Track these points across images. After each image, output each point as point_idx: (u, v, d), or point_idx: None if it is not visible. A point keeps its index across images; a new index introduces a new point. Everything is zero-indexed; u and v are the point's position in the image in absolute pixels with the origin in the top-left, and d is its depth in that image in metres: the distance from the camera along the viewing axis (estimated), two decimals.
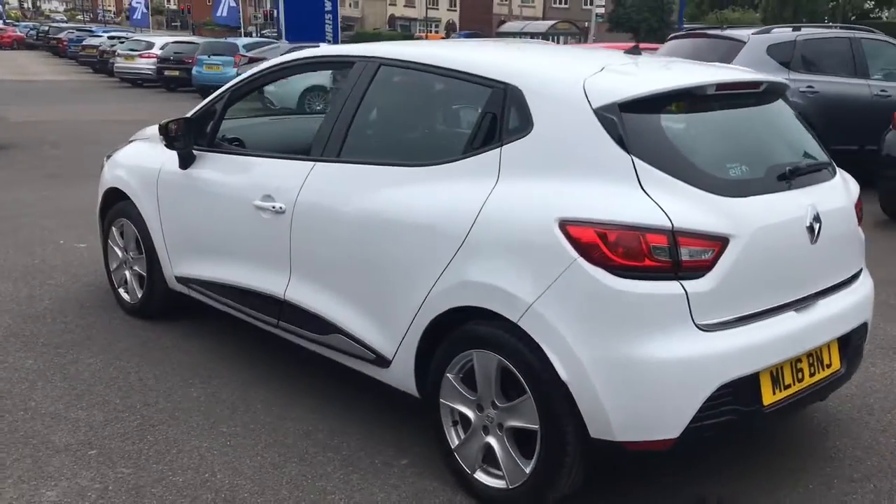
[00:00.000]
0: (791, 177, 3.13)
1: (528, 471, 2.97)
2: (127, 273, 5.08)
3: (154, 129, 5.07)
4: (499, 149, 3.09)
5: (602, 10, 28.45)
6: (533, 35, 28.91)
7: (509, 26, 39.04)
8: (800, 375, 3.09)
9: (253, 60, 21.10)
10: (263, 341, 4.50)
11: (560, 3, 65.72)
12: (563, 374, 2.78)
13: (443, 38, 62.71)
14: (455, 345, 3.14)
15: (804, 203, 3.10)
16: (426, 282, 3.18)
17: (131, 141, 5.33)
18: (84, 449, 3.51)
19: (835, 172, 3.42)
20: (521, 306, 2.86)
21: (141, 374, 4.26)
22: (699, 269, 2.77)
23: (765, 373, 2.93)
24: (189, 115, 4.50)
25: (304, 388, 4.12)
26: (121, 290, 5.16)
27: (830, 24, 10.40)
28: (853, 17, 40.69)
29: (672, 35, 10.55)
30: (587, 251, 2.75)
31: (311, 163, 3.77)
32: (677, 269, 2.74)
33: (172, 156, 4.55)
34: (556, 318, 2.79)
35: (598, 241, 2.74)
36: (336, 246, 3.59)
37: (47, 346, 4.59)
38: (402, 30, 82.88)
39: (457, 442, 3.22)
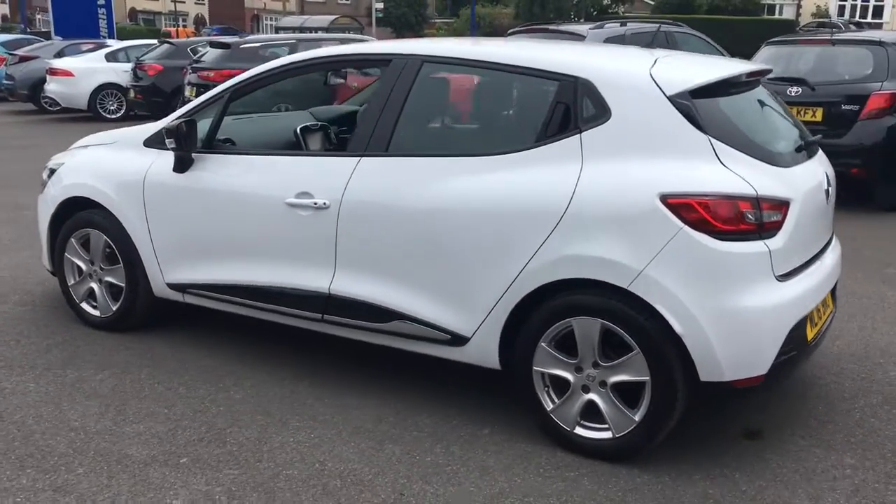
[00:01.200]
0: (806, 148, 3.74)
1: (636, 418, 3.36)
2: (94, 286, 4.86)
3: (104, 136, 4.91)
4: (578, 135, 3.44)
5: (381, 6, 29.04)
6: (314, 29, 28.94)
7: (289, 20, 38.67)
8: (820, 314, 3.71)
9: (24, 59, 19.56)
10: (272, 339, 4.57)
11: None
12: (678, 328, 3.20)
13: (193, 33, 60.39)
14: (552, 315, 3.45)
15: (820, 170, 3.73)
16: (516, 261, 3.47)
17: (75, 148, 5.07)
18: (172, 458, 3.47)
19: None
20: (631, 273, 3.24)
21: (166, 383, 4.17)
22: (774, 229, 3.29)
23: (809, 314, 3.52)
24: (181, 114, 4.42)
25: (343, 380, 4.23)
26: (84, 305, 4.92)
27: (648, 18, 11.54)
28: (594, 13, 44.28)
29: (511, 31, 11.23)
30: (691, 220, 3.19)
31: (355, 158, 3.91)
32: (761, 230, 3.25)
33: (159, 159, 4.47)
34: (668, 280, 3.20)
35: (700, 210, 3.18)
36: (397, 236, 3.77)
37: (36, 368, 4.34)
38: (146, 24, 78.82)
39: (552, 404, 3.54)
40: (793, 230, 3.37)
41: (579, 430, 3.51)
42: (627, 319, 3.30)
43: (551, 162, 3.47)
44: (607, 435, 3.44)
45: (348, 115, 5.36)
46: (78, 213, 4.80)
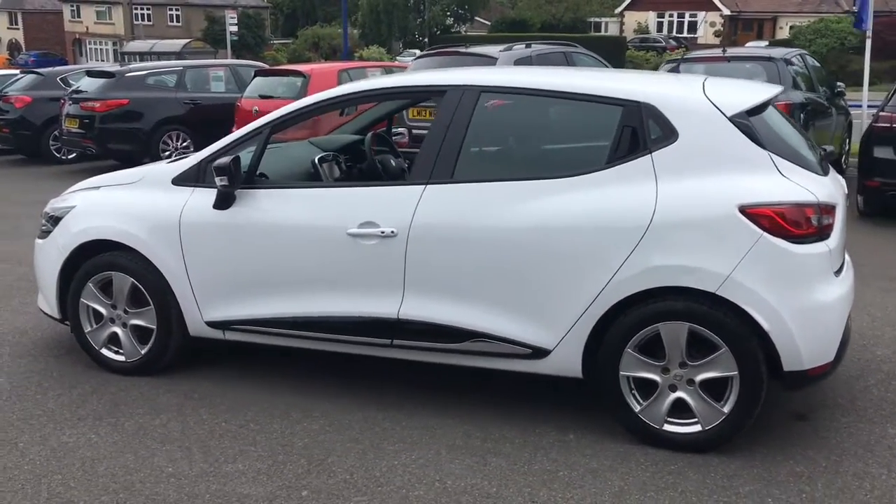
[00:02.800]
0: (826, 160, 4.24)
1: (726, 410, 3.70)
2: (118, 330, 4.73)
3: (120, 176, 4.83)
4: (648, 155, 3.76)
5: (235, 29, 28.63)
6: (161, 56, 27.95)
7: (135, 46, 37.09)
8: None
9: None
10: (310, 368, 4.65)
11: (144, 20, 63.39)
12: (765, 325, 3.57)
13: (7, 59, 56.82)
14: (639, 322, 3.75)
15: (838, 178, 4.22)
16: (602, 274, 3.75)
17: (80, 191, 4.93)
18: (294, 492, 3.51)
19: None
20: (718, 278, 3.59)
21: (234, 422, 4.15)
22: (829, 231, 3.73)
23: None
24: (218, 149, 4.42)
25: (407, 401, 4.35)
26: (105, 351, 4.78)
27: (549, 41, 12.10)
28: (437, 32, 45.32)
29: (420, 54, 11.49)
30: (769, 227, 3.57)
31: (420, 186, 4.06)
32: (821, 233, 3.68)
33: (193, 197, 4.45)
34: (753, 282, 3.57)
35: (776, 217, 3.57)
36: (470, 258, 3.96)
37: (85, 420, 4.20)
38: None
39: (639, 405, 3.83)
40: (839, 231, 3.81)
41: (668, 427, 3.80)
42: (714, 321, 3.63)
43: (626, 181, 3.76)
44: (696, 429, 3.76)
45: (350, 144, 5.46)
46: (97, 257, 4.65)
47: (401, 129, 5.88)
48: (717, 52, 10.21)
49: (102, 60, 61.68)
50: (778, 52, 9.77)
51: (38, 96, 14.64)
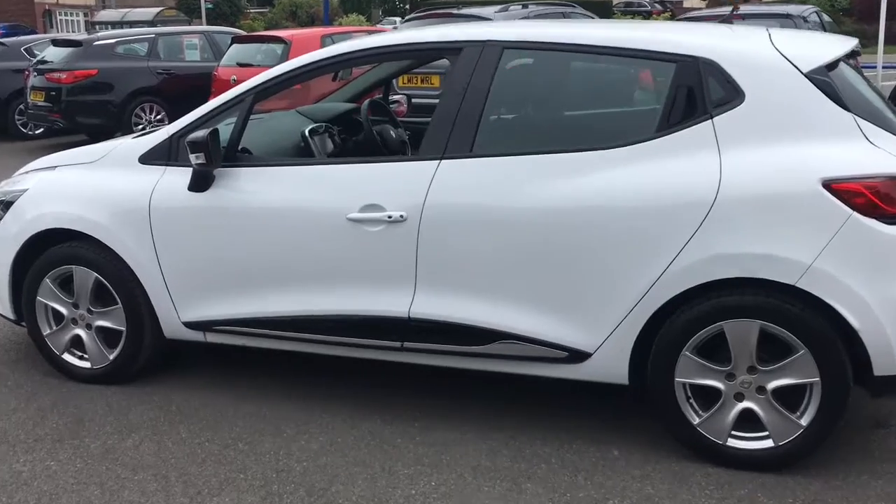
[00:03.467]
0: None
1: (804, 423, 3.11)
2: (81, 332, 4.08)
3: (78, 154, 4.15)
4: (709, 120, 3.14)
5: None
6: (133, 24, 26.82)
7: (106, 15, 35.74)
8: None
9: None
10: (299, 371, 4.05)
11: None
12: (854, 323, 2.98)
13: None
14: (699, 320, 3.15)
15: None
16: (654, 264, 3.14)
17: (32, 172, 4.26)
18: None
19: None
20: (799, 268, 2.98)
21: (217, 441, 3.55)
22: None
23: None
24: (191, 122, 3.76)
25: (416, 411, 3.78)
26: (68, 357, 4.13)
27: (544, 1, 11.39)
28: None
29: (409, 17, 10.78)
30: (860, 205, 2.96)
31: (433, 162, 3.43)
32: None
33: (164, 178, 3.79)
34: (840, 272, 2.97)
35: (869, 194, 2.97)
36: (495, 246, 3.34)
37: (43, 441, 3.58)
38: None
39: (697, 417, 3.24)
40: None
41: (733, 442, 3.23)
42: (792, 318, 3.04)
43: (682, 152, 3.15)
44: (767, 444, 3.18)
45: (343, 114, 4.80)
46: (54, 248, 3.99)
47: (398, 97, 5.20)
48: (726, 10, 9.55)
49: (73, 31, 60.12)
50: (795, 8, 9.14)
51: (0, 68, 13.78)
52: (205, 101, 4.11)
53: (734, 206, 3.04)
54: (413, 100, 5.53)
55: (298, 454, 3.40)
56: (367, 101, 4.62)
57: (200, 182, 3.69)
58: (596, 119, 3.69)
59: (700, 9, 24.63)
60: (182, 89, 12.15)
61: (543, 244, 3.27)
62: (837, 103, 3.10)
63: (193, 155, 3.55)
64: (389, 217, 3.42)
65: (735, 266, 3.06)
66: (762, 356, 3.12)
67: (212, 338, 3.90)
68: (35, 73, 12.38)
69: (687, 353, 3.18)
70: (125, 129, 11.65)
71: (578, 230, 3.22)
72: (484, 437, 3.51)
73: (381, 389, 3.93)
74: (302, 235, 3.58)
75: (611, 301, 3.23)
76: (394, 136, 4.59)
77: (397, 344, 3.55)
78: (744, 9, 9.52)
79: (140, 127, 11.80)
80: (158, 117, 12.27)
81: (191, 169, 3.66)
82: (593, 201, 3.20)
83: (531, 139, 3.60)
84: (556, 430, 3.55)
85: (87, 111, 12.00)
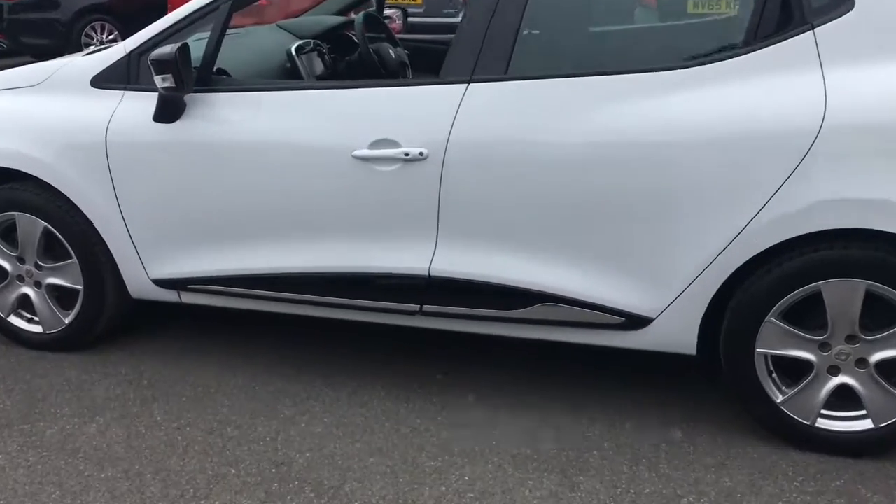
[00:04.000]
0: None
1: None
2: (29, 292, 3.43)
3: (15, 75, 3.43)
4: (809, 32, 2.52)
5: None
6: None
7: None
8: None
9: None
10: (284, 334, 3.42)
11: None
12: None
13: None
14: (791, 279, 2.59)
15: None
16: (738, 212, 2.56)
17: None
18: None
19: None
20: None
21: (201, 425, 2.97)
22: None
23: None
24: (154, 35, 3.06)
25: (439, 386, 3.23)
26: (15, 320, 3.49)
27: None
28: None
29: None
30: None
31: (460, 87, 2.78)
32: None
33: (122, 105, 3.11)
34: None
35: None
36: (536, 190, 2.74)
37: (9, 429, 2.94)
38: None
39: (781, 395, 2.71)
40: None
41: (823, 423, 2.70)
42: None
43: (776, 69, 2.54)
44: (865, 425, 2.67)
45: (332, 29, 4.10)
46: None
47: (391, 11, 4.48)
48: None
49: None
50: None
51: None
52: None
53: (843, 137, 2.45)
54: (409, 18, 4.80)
55: (300, 441, 2.82)
56: (361, 14, 3.91)
57: (168, 110, 3.00)
58: (665, 32, 3.04)
59: None
60: (138, 6, 11.16)
61: (598, 186, 2.67)
62: None
63: (159, 77, 2.85)
64: (406, 155, 2.78)
65: (842, 214, 2.49)
66: (866, 323, 2.56)
67: (188, 298, 3.27)
68: None
69: (772, 318, 2.63)
70: (74, 50, 10.67)
71: (642, 169, 2.62)
72: (517, 414, 2.96)
73: (391, 355, 3.37)
74: (296, 177, 2.94)
75: (681, 256, 2.65)
76: (393, 55, 3.91)
77: (415, 307, 2.95)
78: None
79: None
80: (111, 38, 11.29)
81: (156, 94, 2.98)
82: (662, 133, 2.59)
83: (583, 57, 2.95)
84: (604, 406, 3.01)
85: (32, 30, 11.00)
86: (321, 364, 3.32)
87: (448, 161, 2.76)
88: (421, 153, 2.77)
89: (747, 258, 2.59)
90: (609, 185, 2.65)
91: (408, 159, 2.79)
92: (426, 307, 2.95)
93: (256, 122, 2.96)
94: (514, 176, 2.72)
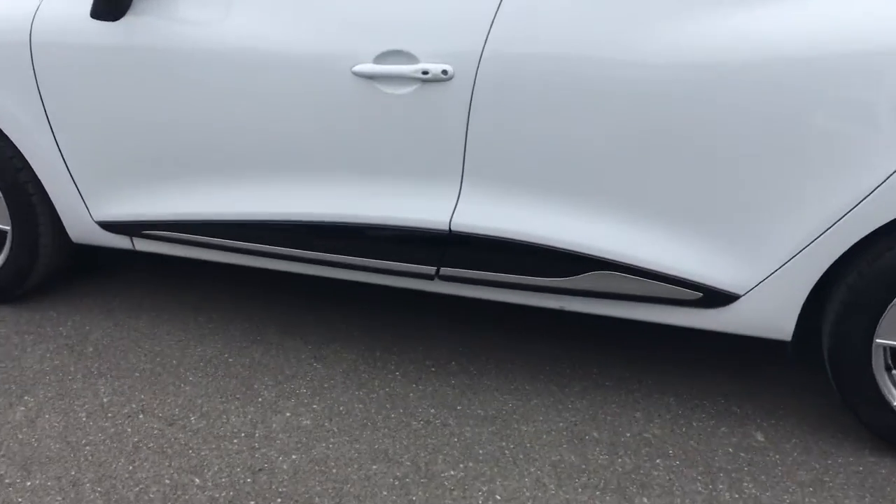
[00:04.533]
0: None
1: None
2: None
3: None
4: None
5: None
6: None
7: None
8: None
9: None
10: (280, 293, 2.81)
11: None
12: None
13: None
14: None
15: None
16: (867, 165, 1.90)
17: None
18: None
19: None
20: None
21: (198, 412, 2.33)
22: None
23: None
24: None
25: (469, 360, 2.62)
26: None
27: None
28: None
29: None
30: None
31: None
32: None
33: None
34: None
35: None
36: (600, 126, 2.07)
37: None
38: None
39: None
40: None
41: None
42: None
43: None
44: None
45: None
46: None
47: None
48: None
49: None
50: None
51: None
52: None
53: None
54: None
55: (284, 437, 2.21)
56: None
57: (110, 3, 2.27)
58: None
59: None
60: None
61: (681, 122, 2.00)
62: None
63: None
64: (425, 73, 2.09)
65: None
66: None
67: (144, 246, 2.61)
68: None
69: None
70: None
71: (743, 100, 1.95)
72: (553, 403, 2.37)
73: (398, 322, 2.73)
74: (278, 98, 2.24)
75: (788, 218, 2.01)
76: None
77: (430, 270, 2.31)
78: None
79: None
80: None
81: None
82: (767, 48, 1.90)
83: None
84: (661, 395, 2.42)
85: None
86: (307, 329, 2.70)
87: (481, 82, 2.08)
88: (444, 71, 2.08)
89: (878, 225, 1.94)
90: (695, 119, 1.99)
91: (426, 79, 2.10)
92: (444, 270, 2.30)
93: (227, 24, 2.25)
94: (567, 104, 2.06)
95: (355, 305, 2.86)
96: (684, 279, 2.14)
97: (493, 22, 2.07)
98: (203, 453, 2.16)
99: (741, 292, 2.13)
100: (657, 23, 1.99)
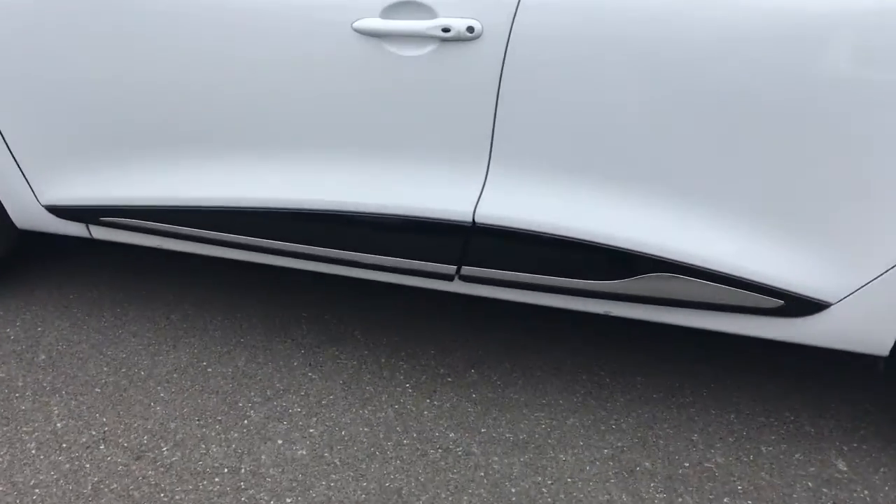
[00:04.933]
0: None
1: None
2: None
3: None
4: None
5: None
6: None
7: None
8: None
9: None
10: (263, 282, 2.38)
11: None
12: None
13: None
14: None
15: None
16: None
17: None
18: None
19: None
20: None
21: (172, 439, 1.93)
22: None
23: None
24: None
25: (491, 363, 2.21)
26: None
27: None
28: None
29: None
30: None
31: None
32: None
33: None
34: None
35: None
36: (663, 92, 1.65)
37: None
38: None
39: None
40: None
41: None
42: None
43: None
44: None
45: None
46: None
47: None
48: None
49: None
50: None
51: None
52: None
53: None
54: None
55: (275, 474, 1.84)
56: None
57: None
58: None
59: None
60: None
61: (759, 98, 1.57)
62: None
63: None
64: (445, 30, 1.66)
65: None
66: None
67: (102, 234, 2.18)
68: None
69: None
70: None
71: (848, 67, 1.52)
72: (594, 422, 2.00)
73: (397, 319, 2.35)
74: (261, 60, 1.80)
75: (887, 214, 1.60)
76: None
77: (448, 269, 1.90)
78: None
79: None
80: None
81: None
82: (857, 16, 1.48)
83: None
84: (719, 410, 2.06)
85: None
86: (302, 330, 2.31)
87: (516, 40, 1.65)
88: (470, 28, 1.65)
89: None
90: (779, 98, 1.57)
91: (447, 37, 1.67)
92: (466, 269, 1.90)
93: None
94: (626, 66, 1.62)
95: (353, 299, 2.46)
96: (764, 284, 1.75)
97: None
98: (177, 497, 1.77)
99: (833, 301, 1.74)
100: None
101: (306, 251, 2.00)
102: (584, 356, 2.26)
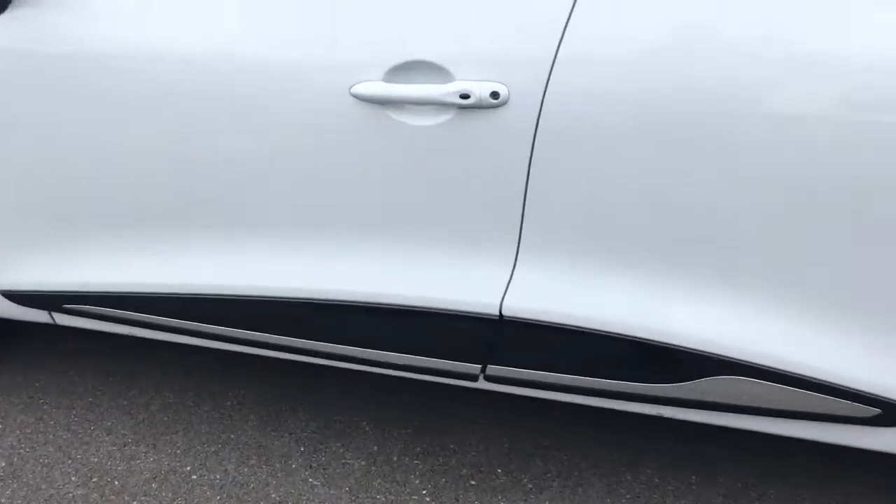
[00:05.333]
0: None
1: None
2: None
3: None
4: None
5: None
6: None
7: None
8: None
9: None
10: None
11: None
12: None
13: None
14: None
15: None
16: None
17: None
18: None
19: None
20: None
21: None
22: None
23: None
24: None
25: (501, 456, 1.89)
26: None
27: None
28: None
29: None
30: None
31: None
32: None
33: None
34: None
35: None
36: (739, 167, 1.34)
37: None
38: None
39: None
40: None
41: None
42: None
43: None
44: None
45: None
46: None
47: None
48: None
49: None
50: None
51: None
52: None
53: None
54: None
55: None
56: None
57: None
58: None
59: None
60: None
61: (869, 164, 1.27)
62: None
63: None
64: (464, 97, 1.34)
65: None
66: None
67: (65, 320, 1.87)
68: None
69: None
70: None
71: None
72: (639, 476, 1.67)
73: (407, 402, 2.03)
74: (245, 128, 1.49)
75: None
76: None
77: (472, 369, 1.59)
78: None
79: None
80: None
81: None
82: None
83: None
84: None
85: None
86: (299, 417, 2.00)
87: (550, 106, 1.34)
88: (495, 94, 1.34)
89: None
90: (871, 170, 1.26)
91: (467, 105, 1.36)
92: (493, 369, 1.59)
93: (171, 20, 1.48)
94: (685, 140, 1.31)
95: (358, 381, 2.15)
96: (856, 390, 1.44)
97: (566, 25, 1.32)
98: None
99: None
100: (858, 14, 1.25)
101: (308, 347, 1.70)
102: (628, 450, 1.95)
